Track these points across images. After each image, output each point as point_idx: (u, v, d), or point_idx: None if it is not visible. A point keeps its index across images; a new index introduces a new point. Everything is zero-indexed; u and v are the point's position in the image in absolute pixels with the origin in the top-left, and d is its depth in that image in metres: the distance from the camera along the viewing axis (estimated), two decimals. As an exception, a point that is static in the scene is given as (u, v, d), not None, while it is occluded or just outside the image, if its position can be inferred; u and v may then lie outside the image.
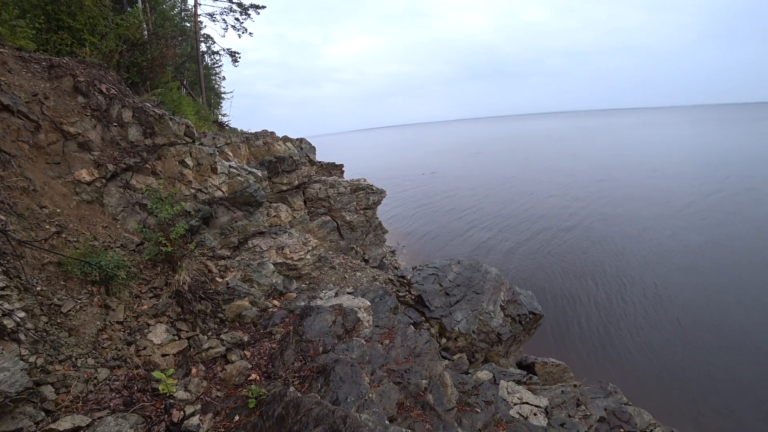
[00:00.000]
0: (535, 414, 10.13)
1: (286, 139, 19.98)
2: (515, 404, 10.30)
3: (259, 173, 13.80)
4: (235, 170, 12.21)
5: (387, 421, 5.75)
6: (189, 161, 10.62)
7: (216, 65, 31.67)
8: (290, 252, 12.95)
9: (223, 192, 11.52)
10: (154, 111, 10.07)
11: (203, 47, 28.15)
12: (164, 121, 10.05)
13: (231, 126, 23.08)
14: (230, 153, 15.19)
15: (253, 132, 18.93)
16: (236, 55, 28.53)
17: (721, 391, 19.56)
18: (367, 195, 23.04)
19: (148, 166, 9.69)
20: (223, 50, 29.07)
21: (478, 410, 8.73)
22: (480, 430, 8.16)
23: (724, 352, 22.26)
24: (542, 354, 17.47)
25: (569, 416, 10.91)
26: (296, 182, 19.40)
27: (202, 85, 24.54)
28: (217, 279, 8.79)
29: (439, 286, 15.61)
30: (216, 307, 7.54)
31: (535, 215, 49.15)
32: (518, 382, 12.15)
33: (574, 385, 13.24)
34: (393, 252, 34.27)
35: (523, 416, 9.81)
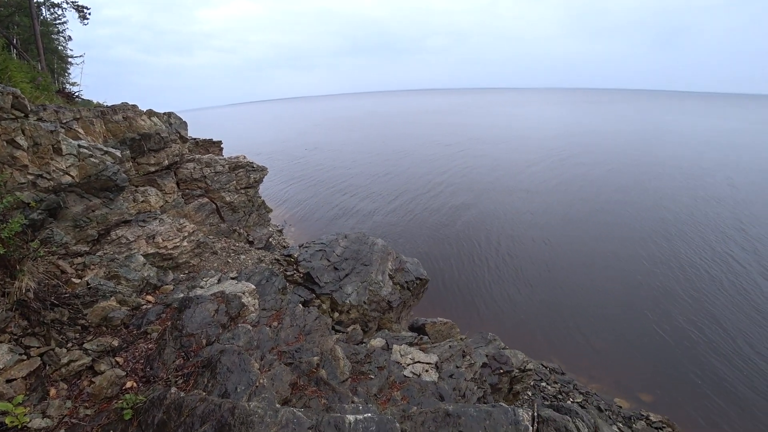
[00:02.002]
0: (426, 371, 11.20)
1: (151, 113, 17.83)
2: (408, 365, 11.25)
3: (119, 153, 12.20)
4: (86, 150, 10.61)
5: (279, 405, 5.89)
6: (21, 141, 8.90)
7: (58, 21, 26.10)
8: (163, 240, 11.89)
9: (73, 177, 9.98)
10: (-36, 80, 8.17)
11: (38, -3, 22.93)
12: (-20, 92, 8.23)
13: (84, 98, 19.62)
14: (81, 130, 13.06)
15: (110, 105, 16.43)
16: (85, 10, 23.86)
17: (574, 327, 24.11)
18: (248, 173, 21.96)
19: (-39, 149, 7.91)
20: (67, 3, 23.98)
21: (372, 377, 9.34)
22: (375, 395, 8.77)
23: (572, 295, 27.16)
24: (432, 315, 19.22)
25: (457, 367, 12.30)
26: (166, 162, 17.58)
27: (39, 45, 20.08)
28: (74, 280, 7.72)
29: (328, 262, 15.91)
30: (75, 313, 6.66)
31: (416, 186, 52.46)
32: (410, 344, 13.21)
33: (461, 339, 14.87)
34: (280, 231, 33.56)
35: (416, 374, 10.78)
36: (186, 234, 12.77)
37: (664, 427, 17.06)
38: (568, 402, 17.69)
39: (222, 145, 26.11)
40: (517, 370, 15.37)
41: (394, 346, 12.33)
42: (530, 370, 15.71)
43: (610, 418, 17.25)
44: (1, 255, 5.96)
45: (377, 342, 12.43)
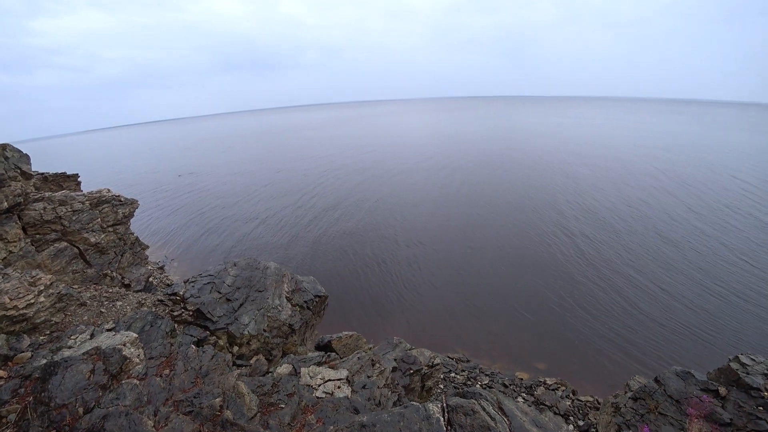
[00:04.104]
0: (339, 387, 11.15)
1: (-24, 148, 14.91)
2: (319, 385, 11.09)
3: (-64, 202, 9.99)
4: None
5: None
6: None
7: None
8: (11, 299, 10.01)
9: None
10: None
11: None
12: None
13: None
14: None
15: None
16: None
17: (471, 316, 26.17)
18: (115, 208, 19.59)
19: None
20: None
21: (282, 405, 9.05)
22: (289, 423, 8.50)
23: (464, 287, 29.43)
24: (337, 330, 19.23)
25: (368, 377, 12.48)
26: (5, 204, 14.82)
27: None
28: None
29: (219, 294, 14.98)
30: None
31: (300, 203, 52.19)
32: (319, 364, 13.04)
33: (369, 348, 15.10)
34: (161, 268, 30.49)
35: (329, 393, 10.67)
36: (42, 287, 10.93)
37: (559, 387, 19.62)
38: (477, 386, 19.24)
39: (79, 179, 22.93)
40: (426, 367, 16.20)
41: (302, 369, 12.10)
42: (438, 364, 16.68)
43: (515, 391, 19.25)
44: None
45: (284, 369, 12.08)
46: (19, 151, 17.33)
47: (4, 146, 16.81)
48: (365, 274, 32.05)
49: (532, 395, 19.02)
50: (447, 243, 37.16)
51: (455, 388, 19.32)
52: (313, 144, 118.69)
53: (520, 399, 18.60)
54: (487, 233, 38.87)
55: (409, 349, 17.15)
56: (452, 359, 22.37)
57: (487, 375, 20.88)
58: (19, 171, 16.60)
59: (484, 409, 7.94)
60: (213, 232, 43.58)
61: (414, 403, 7.99)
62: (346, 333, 17.60)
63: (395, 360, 16.10)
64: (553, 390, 19.50)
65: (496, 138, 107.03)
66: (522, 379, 20.91)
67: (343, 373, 12.14)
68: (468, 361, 22.47)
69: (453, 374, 20.59)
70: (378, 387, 12.38)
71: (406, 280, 30.87)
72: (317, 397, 10.30)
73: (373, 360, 13.85)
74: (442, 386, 19.25)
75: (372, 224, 42.97)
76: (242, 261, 17.28)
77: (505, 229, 39.77)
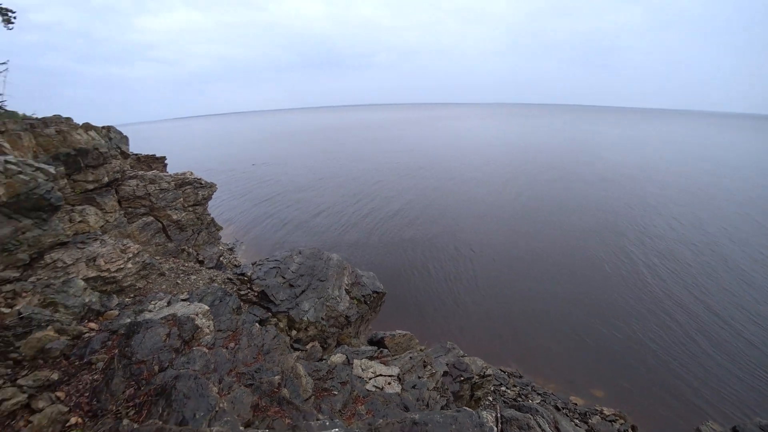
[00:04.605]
0: (389, 383, 11.16)
1: (88, 127, 16.71)
2: (370, 379, 11.17)
3: (53, 170, 11.29)
4: (14, 167, 9.74)
5: (242, 427, 5.65)
6: (-61, 159, 8.07)
7: (-23, 25, 23.80)
8: (105, 263, 11.10)
9: (0, 195, 9.12)
10: None
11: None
12: None
13: (7, 109, 17.96)
14: (7, 144, 12.01)
15: (40, 118, 15.20)
16: (9, 13, 21.93)
17: (528, 331, 25.05)
18: (196, 190, 21.10)
19: None
20: None
21: (335, 393, 9.17)
22: (340, 410, 8.61)
23: (524, 302, 28.23)
24: (391, 328, 19.26)
25: (419, 377, 12.38)
26: (106, 179, 16.50)
27: (-53, 51, 18.28)
28: (3, 309, 7.00)
29: (283, 279, 15.54)
30: (6, 347, 6.02)
31: (360, 198, 52.78)
32: (371, 358, 13.13)
33: (421, 350, 14.99)
34: (231, 249, 32.41)
35: (379, 388, 10.71)
36: (130, 255, 12.01)
37: (618, 420, 18.09)
38: (528, 402, 18.35)
39: (166, 161, 24.99)
40: (477, 377, 15.71)
41: (355, 360, 12.22)
42: (490, 375, 16.12)
43: (567, 416, 18.06)
44: None
45: (338, 358, 12.27)
46: (120, 133, 19.23)
47: (109, 128, 18.72)
48: (418, 275, 31.82)
49: (586, 423, 17.72)
50: (502, 252, 35.83)
51: (505, 402, 18.55)
52: (379, 143, 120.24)
53: (572, 424, 17.44)
54: (545, 247, 36.90)
55: (462, 356, 16.75)
56: (504, 372, 21.50)
57: (539, 394, 19.81)
58: (119, 150, 18.42)
59: (539, 426, 7.47)
60: (279, 219, 45.63)
61: (466, 408, 7.73)
62: (400, 332, 17.59)
63: (447, 365, 15.77)
64: (610, 421, 18.02)
65: (566, 149, 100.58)
66: (576, 404, 19.54)
67: (395, 371, 12.11)
68: (521, 376, 21.50)
69: (504, 388, 19.76)
70: (428, 389, 12.19)
71: (459, 286, 30.19)
72: (368, 390, 10.35)
73: (425, 361, 13.67)
74: (491, 398, 18.57)
75: (427, 226, 42.59)
76: (307, 250, 17.82)
77: (565, 245, 37.48)
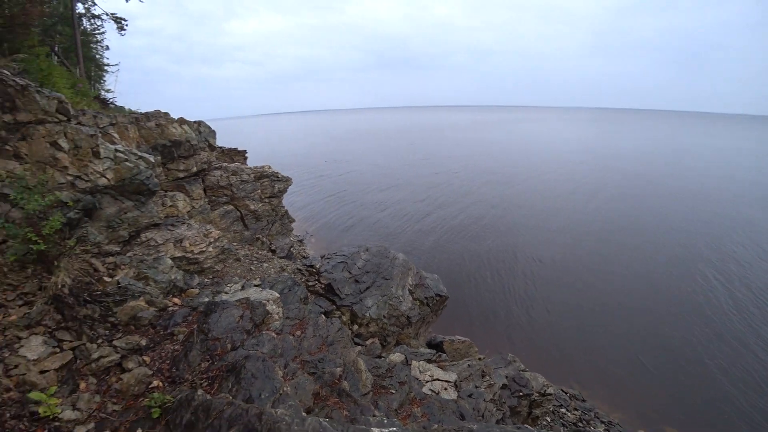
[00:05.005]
0: (445, 389, 10.95)
1: (182, 121, 18.34)
2: (427, 382, 11.03)
3: (152, 158, 12.50)
4: (122, 155, 10.91)
5: (304, 413, 5.78)
6: (64, 143, 9.22)
7: (97, 31, 27.32)
8: (190, 245, 12.05)
9: (109, 179, 10.25)
10: (14, 81, 8.48)
11: (80, 8, 24.04)
12: (29, 94, 8.56)
13: (117, 104, 20.37)
14: (116, 135, 13.50)
15: (143, 112, 16.99)
16: (123, 21, 24.97)
17: (596, 353, 23.28)
18: (273, 183, 22.26)
19: (9, 147, 8.20)
20: (107, 14, 25.17)
21: (393, 391, 9.16)
22: (396, 410, 8.58)
23: (595, 320, 26.30)
24: (449, 332, 18.91)
25: (476, 387, 12.01)
26: (194, 169, 17.98)
27: (79, 53, 21.05)
28: (105, 278, 7.85)
29: (349, 274, 15.86)
30: (106, 311, 6.74)
31: (438, 202, 52.20)
32: (429, 361, 12.98)
33: (479, 359, 14.56)
34: (300, 241, 33.78)
35: (434, 392, 10.55)
36: (212, 240, 12.93)
37: None
38: (590, 429, 17.03)
39: (246, 155, 26.62)
40: (537, 394, 14.89)
41: (413, 362, 12.13)
42: (550, 394, 15.21)
43: (635, 452, 16.49)
44: (41, 250, 6.12)
45: (396, 357, 12.24)
46: (209, 127, 20.84)
47: (200, 122, 20.37)
48: (478, 281, 30.83)
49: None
50: (570, 266, 33.48)
51: (564, 425, 17.35)
52: (449, 144, 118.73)
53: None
54: (620, 263, 33.84)
55: (522, 370, 15.98)
56: (566, 393, 20.07)
57: (603, 422, 18.22)
58: (207, 143, 19.98)
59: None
60: (345, 214, 46.83)
61: (527, 426, 7.30)
62: (459, 338, 17.20)
63: (506, 378, 15.09)
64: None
65: (654, 159, 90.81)
66: (644, 439, 17.71)
67: (452, 377, 11.84)
68: (584, 400, 19.93)
69: (564, 410, 18.44)
70: (484, 400, 11.74)
71: (520, 297, 28.73)
72: (424, 393, 10.21)
73: (483, 371, 13.21)
74: (548, 419, 17.45)
75: (491, 231, 41.15)
76: (374, 247, 18.05)
77: (642, 262, 34.08)
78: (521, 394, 14.53)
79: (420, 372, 11.69)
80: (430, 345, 16.94)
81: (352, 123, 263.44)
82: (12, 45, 12.46)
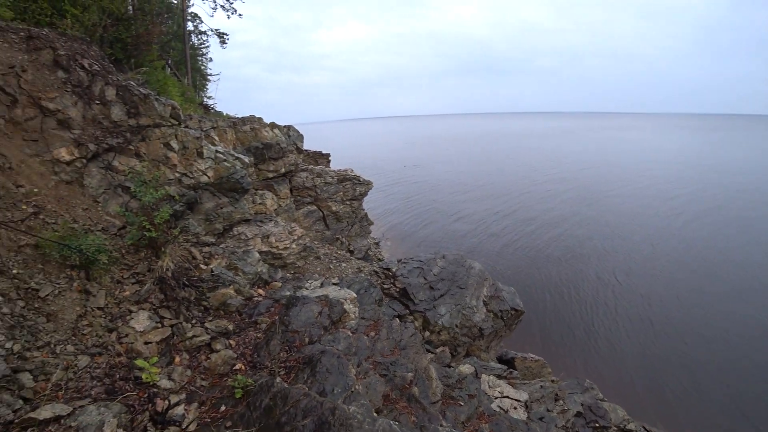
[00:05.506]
0: (515, 408, 10.32)
1: (273, 125, 19.62)
2: (496, 398, 10.48)
3: (246, 159, 13.52)
4: (221, 155, 11.93)
5: (374, 413, 5.76)
6: (174, 144, 10.32)
7: (203, 46, 30.73)
8: (275, 241, 12.78)
9: (209, 177, 11.25)
10: (138, 90, 9.70)
11: (190, 26, 27.19)
12: (149, 102, 9.71)
13: (217, 109, 22.52)
14: (216, 137, 14.84)
15: (240, 117, 18.51)
16: (224, 36, 27.74)
17: (691, 391, 20.32)
18: (354, 186, 22.87)
19: (131, 147, 9.37)
20: (211, 30, 28.19)
21: (462, 403, 8.83)
22: (463, 423, 8.25)
23: (694, 348, 23.08)
24: (521, 349, 17.82)
25: (548, 410, 11.17)
26: (283, 170, 19.11)
27: (188, 65, 23.78)
28: (202, 266, 8.60)
29: (424, 280, 15.67)
30: (200, 295, 7.37)
31: (520, 214, 49.83)
32: (499, 377, 12.35)
33: (552, 381, 13.54)
34: (377, 244, 34.27)
35: (503, 410, 9.98)
36: (295, 237, 13.59)
37: None
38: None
39: (330, 158, 27.69)
40: (615, 428, 13.39)
41: (483, 375, 11.60)
42: (631, 430, 13.58)
43: None
44: (153, 237, 6.85)
45: (466, 368, 11.82)
46: (297, 131, 22.04)
47: (289, 127, 21.63)
48: (556, 298, 28.55)
49: None
50: (654, 287, 29.62)
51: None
52: (530, 153, 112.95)
53: None
54: (713, 287, 29.21)
55: (601, 399, 14.46)
56: (648, 432, 17.60)
57: None
58: (295, 146, 21.15)
59: None
60: (421, 220, 46.61)
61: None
62: (532, 356, 16.17)
63: (582, 405, 13.77)
64: None
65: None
66: None
67: (523, 396, 11.12)
68: (668, 441, 17.40)
69: (644, 451, 16.22)
70: (556, 425, 10.82)
71: (597, 318, 26.03)
72: (493, 409, 9.71)
73: (557, 395, 12.23)
74: (625, 457, 15.50)
75: (568, 245, 38.03)
76: (450, 255, 17.71)
77: (738, 289, 29.06)
78: (597, 425, 13.16)
79: (489, 387, 11.15)
80: (500, 360, 16.13)
81: (432, 129, 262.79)
82: (137, 60, 14.31)
